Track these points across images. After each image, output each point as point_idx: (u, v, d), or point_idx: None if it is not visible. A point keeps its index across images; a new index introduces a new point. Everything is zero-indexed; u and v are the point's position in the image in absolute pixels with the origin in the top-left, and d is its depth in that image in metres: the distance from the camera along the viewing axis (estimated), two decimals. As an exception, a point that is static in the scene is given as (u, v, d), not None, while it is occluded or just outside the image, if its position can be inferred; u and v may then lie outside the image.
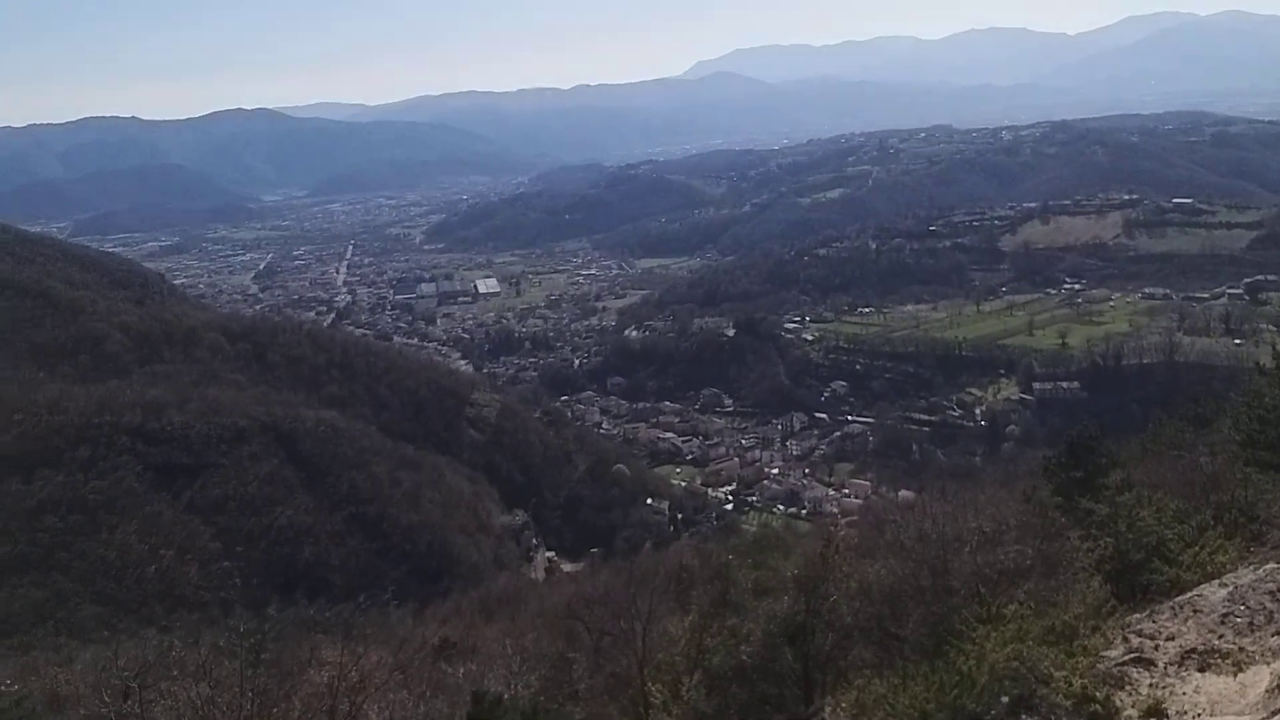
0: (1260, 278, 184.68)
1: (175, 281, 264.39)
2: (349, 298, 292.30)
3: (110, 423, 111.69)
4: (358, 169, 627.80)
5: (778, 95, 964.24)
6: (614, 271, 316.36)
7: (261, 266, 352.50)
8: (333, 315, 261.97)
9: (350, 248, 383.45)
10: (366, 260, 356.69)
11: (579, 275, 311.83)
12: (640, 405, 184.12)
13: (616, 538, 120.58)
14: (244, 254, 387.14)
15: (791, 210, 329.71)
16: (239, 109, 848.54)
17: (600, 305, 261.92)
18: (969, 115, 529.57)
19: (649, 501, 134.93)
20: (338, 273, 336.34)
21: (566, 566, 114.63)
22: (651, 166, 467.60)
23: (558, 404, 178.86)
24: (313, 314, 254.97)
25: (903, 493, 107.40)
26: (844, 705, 18.34)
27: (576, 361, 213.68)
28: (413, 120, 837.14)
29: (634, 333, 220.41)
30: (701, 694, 20.58)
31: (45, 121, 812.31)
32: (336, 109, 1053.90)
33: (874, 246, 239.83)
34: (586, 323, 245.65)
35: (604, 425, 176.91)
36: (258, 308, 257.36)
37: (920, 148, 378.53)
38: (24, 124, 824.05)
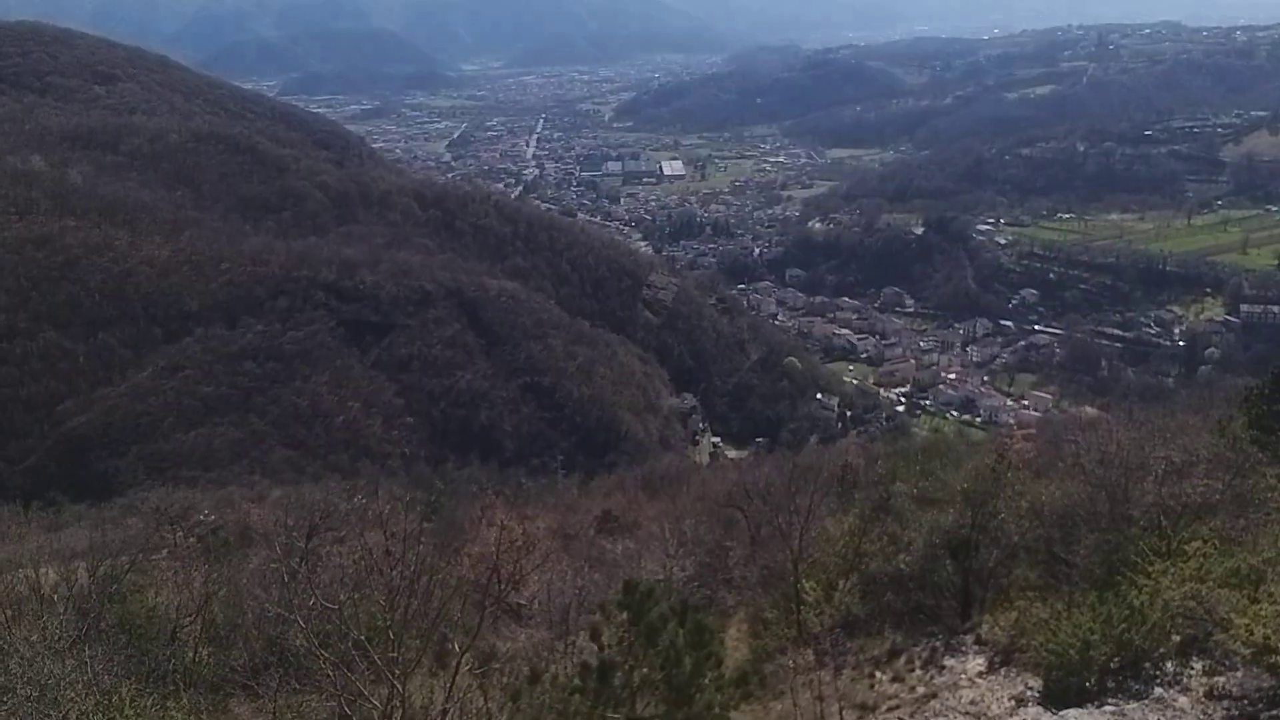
0: None
1: (374, 145, 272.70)
2: (536, 171, 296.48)
3: (307, 277, 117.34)
4: (555, 40, 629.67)
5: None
6: (802, 160, 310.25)
7: (455, 135, 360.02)
8: (520, 188, 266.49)
9: (541, 121, 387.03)
10: (556, 135, 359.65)
11: (766, 162, 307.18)
12: (818, 299, 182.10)
13: (783, 429, 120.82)
14: (439, 122, 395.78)
15: (996, 105, 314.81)
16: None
17: (785, 194, 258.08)
18: (1203, 11, 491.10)
19: (819, 396, 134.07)
20: (527, 146, 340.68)
21: (731, 453, 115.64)
22: (851, 52, 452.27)
23: (734, 292, 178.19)
24: (501, 185, 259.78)
25: (1086, 410, 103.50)
26: (1002, 624, 17.92)
27: (756, 250, 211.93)
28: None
29: (817, 225, 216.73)
30: (855, 597, 20.39)
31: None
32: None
33: (1082, 149, 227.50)
34: (770, 211, 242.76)
35: (779, 316, 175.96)
36: (449, 176, 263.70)
37: (1143, 45, 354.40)
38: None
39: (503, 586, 17.88)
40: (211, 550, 29.81)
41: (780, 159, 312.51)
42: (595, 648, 13.50)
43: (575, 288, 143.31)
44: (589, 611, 18.84)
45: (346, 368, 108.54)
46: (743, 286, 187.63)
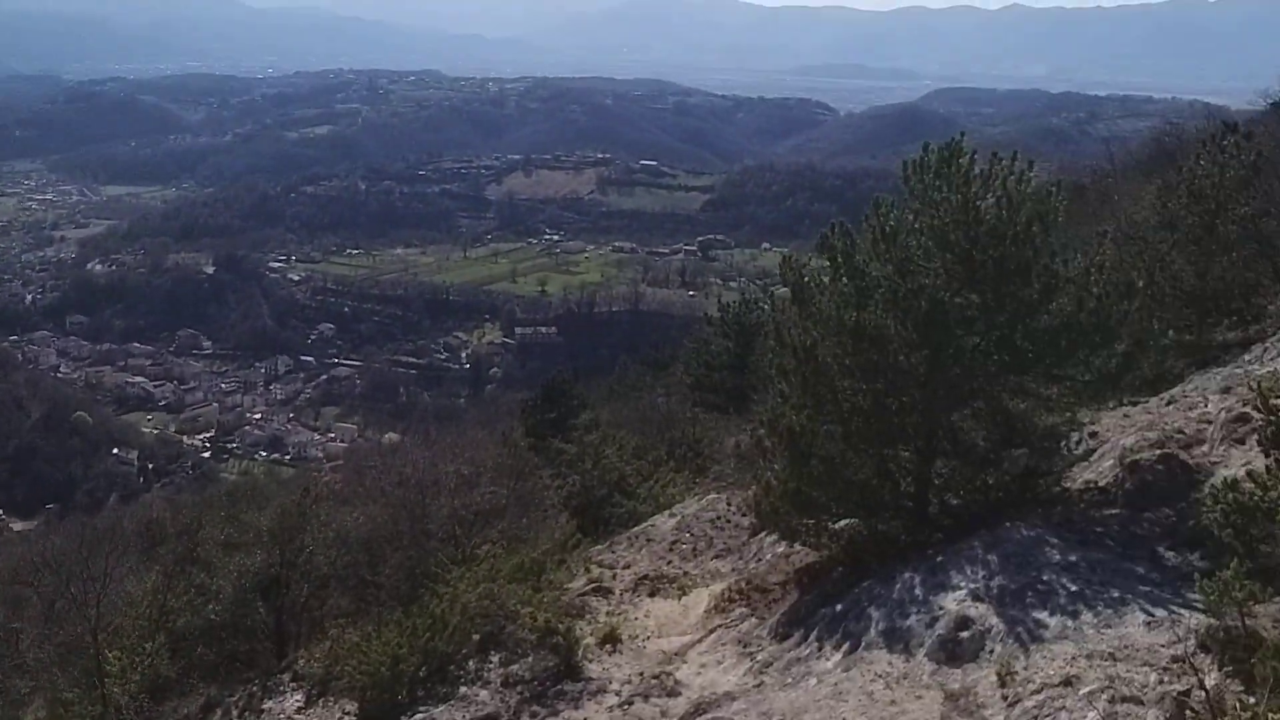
0: (711, 236, 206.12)
1: None
2: None
3: None
4: None
5: (264, 21, 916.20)
6: (74, 198, 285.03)
7: None
8: None
9: None
10: None
11: (32, 200, 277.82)
12: (106, 347, 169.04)
13: (77, 492, 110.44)
14: None
15: (277, 144, 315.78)
16: None
17: (58, 235, 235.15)
18: (459, 63, 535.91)
19: (115, 451, 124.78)
20: None
21: (18, 526, 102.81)
22: (120, 85, 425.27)
23: (5, 344, 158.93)
24: None
25: (389, 436, 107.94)
26: (317, 656, 18.04)
27: (29, 297, 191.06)
28: None
29: (98, 266, 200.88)
30: (164, 658, 19.28)
31: None
32: None
33: (364, 187, 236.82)
34: (41, 254, 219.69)
35: (62, 369, 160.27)
36: None
37: (410, 91, 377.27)
38: None
39: None
40: None
41: (49, 196, 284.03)
42: None
43: None
44: None
45: None
46: (15, 338, 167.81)
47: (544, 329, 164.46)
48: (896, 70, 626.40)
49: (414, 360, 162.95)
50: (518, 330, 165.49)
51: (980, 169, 14.03)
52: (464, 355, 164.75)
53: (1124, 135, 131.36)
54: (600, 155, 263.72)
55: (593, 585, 18.16)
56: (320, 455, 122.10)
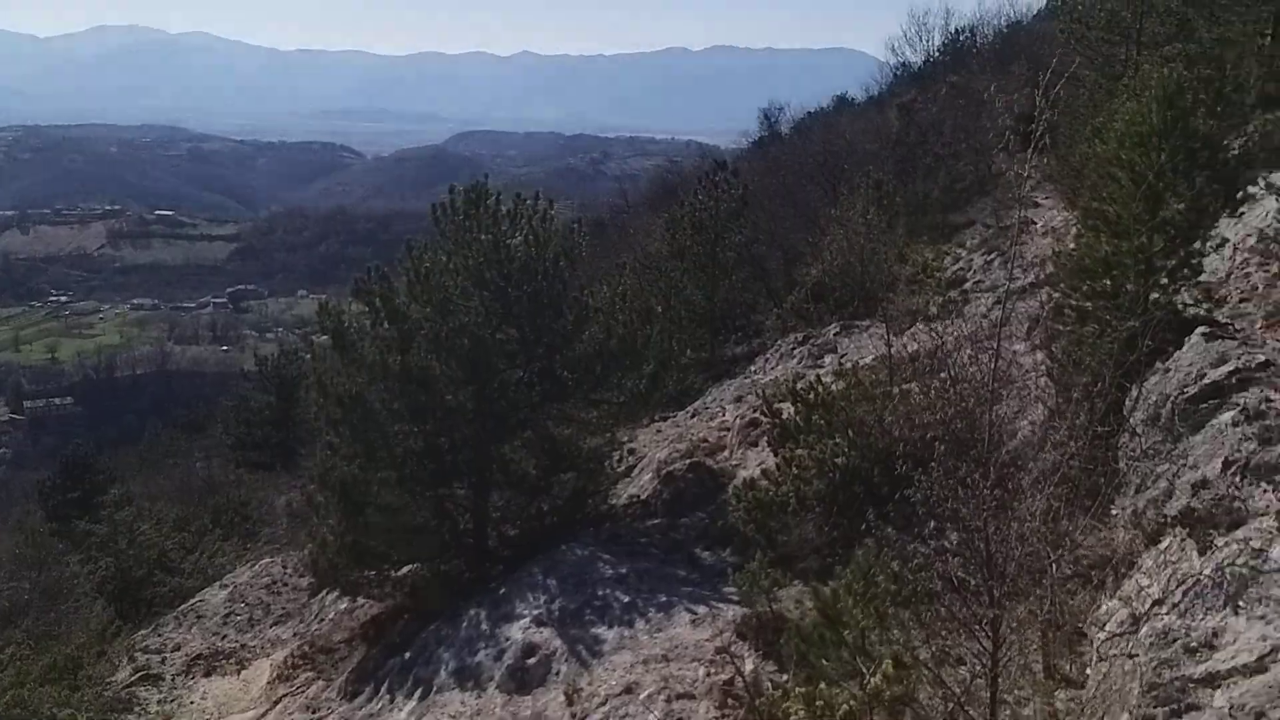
0: (241, 287, 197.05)
1: None
2: None
3: None
4: None
5: None
6: None
7: None
8: None
9: None
10: None
11: None
12: None
13: None
14: None
15: None
16: None
17: None
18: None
19: None
20: None
21: None
22: None
23: None
24: None
25: None
26: None
27: None
28: None
29: None
30: None
31: None
32: None
33: None
34: None
35: None
36: None
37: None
38: None
39: None
40: None
41: None
42: None
43: None
44: None
45: None
46: None
47: (58, 400, 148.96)
48: (419, 114, 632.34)
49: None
50: (27, 404, 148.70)
51: (507, 209, 14.71)
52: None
53: (634, 173, 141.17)
54: (109, 207, 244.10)
55: (140, 674, 16.79)
56: None
